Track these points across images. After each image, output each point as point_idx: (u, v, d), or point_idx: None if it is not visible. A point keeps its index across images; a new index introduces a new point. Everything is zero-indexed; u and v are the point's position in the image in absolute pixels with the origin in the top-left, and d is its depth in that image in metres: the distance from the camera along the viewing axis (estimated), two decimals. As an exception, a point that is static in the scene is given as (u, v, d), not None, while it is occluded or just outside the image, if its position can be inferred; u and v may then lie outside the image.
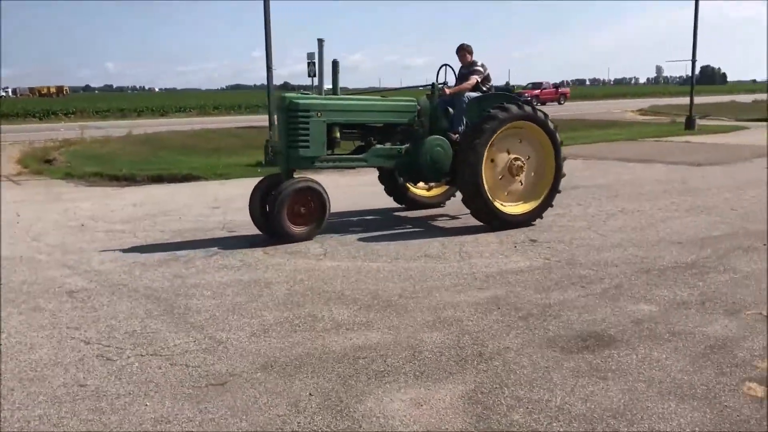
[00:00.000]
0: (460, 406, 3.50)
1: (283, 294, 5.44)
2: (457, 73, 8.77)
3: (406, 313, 4.93)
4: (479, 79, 8.38)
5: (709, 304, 5.03)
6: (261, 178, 7.92)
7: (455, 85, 8.54)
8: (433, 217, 8.74)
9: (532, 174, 8.20)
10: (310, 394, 3.66)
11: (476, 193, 7.69)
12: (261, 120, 27.38)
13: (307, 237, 7.37)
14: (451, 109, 8.31)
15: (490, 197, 7.77)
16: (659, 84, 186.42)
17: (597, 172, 12.74)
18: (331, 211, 7.59)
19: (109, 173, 13.22)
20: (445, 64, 8.78)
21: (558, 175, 8.23)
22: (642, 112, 38.55)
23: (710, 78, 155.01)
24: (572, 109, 40.67)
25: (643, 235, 7.39)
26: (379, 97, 8.63)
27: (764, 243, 6.86)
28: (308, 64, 27.08)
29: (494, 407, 3.48)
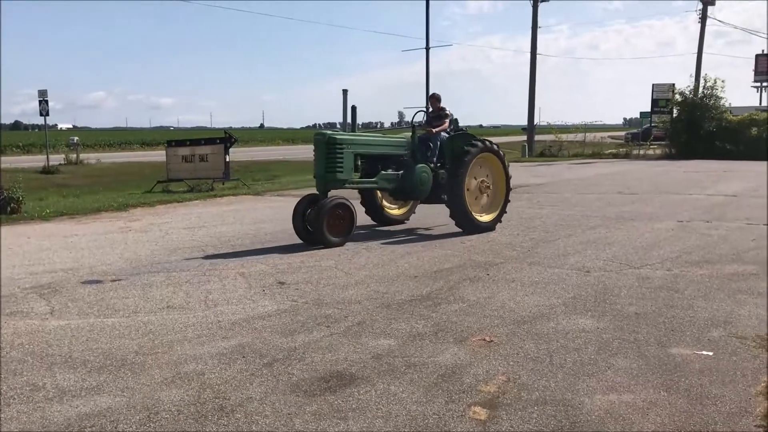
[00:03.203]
0: (197, 468, 3.30)
1: (-4, 363, 4.77)
2: (425, 116, 11.73)
3: (143, 372, 4.60)
4: (449, 121, 11.20)
5: (441, 334, 5.40)
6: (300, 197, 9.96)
7: (424, 125, 11.24)
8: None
9: (492, 193, 10.93)
10: (22, 478, 3.21)
11: (461, 206, 10.23)
12: (-17, 163, 24.30)
13: (341, 244, 9.25)
14: (431, 144, 10.75)
15: (469, 209, 10.30)
16: (401, 127, 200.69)
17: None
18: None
19: None
20: (421, 109, 11.86)
21: (508, 194, 11.06)
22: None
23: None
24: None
25: (384, 270, 7.78)
26: (381, 134, 11.63)
27: (488, 273, 7.59)
28: (39, 102, 24.95)
29: (234, 464, 3.34)
